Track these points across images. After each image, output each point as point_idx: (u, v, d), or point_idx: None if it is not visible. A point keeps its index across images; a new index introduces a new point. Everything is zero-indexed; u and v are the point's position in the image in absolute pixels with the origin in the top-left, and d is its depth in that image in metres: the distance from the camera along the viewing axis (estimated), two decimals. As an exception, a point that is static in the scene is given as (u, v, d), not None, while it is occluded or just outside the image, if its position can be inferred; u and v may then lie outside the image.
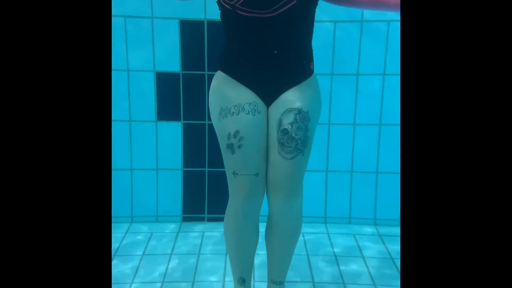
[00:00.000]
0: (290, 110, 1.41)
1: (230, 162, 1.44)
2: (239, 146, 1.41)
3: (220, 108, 1.43)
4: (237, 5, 1.34)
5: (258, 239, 1.57)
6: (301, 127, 1.42)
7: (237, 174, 1.43)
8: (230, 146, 1.42)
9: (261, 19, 1.35)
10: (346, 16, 2.17)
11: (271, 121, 1.44)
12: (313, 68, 1.49)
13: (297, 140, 1.42)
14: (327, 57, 2.21)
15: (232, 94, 1.42)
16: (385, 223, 2.35)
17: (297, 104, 1.42)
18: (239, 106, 1.41)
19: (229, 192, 1.49)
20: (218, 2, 1.41)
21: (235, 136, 1.40)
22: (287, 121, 1.41)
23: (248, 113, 1.40)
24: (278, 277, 1.60)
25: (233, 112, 1.40)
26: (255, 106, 1.41)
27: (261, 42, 1.38)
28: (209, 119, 2.24)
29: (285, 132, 1.42)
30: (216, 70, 1.48)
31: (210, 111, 1.49)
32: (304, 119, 1.43)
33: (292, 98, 1.42)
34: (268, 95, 1.43)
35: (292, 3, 1.34)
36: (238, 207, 1.46)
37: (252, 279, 1.78)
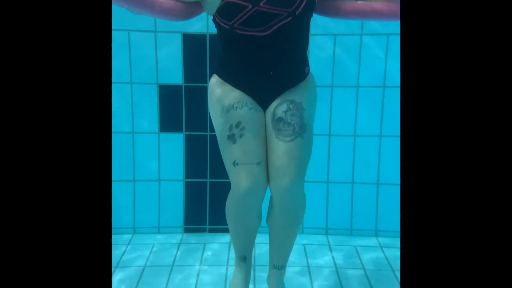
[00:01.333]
0: (282, 101, 1.48)
1: (230, 153, 1.45)
2: (241, 136, 1.44)
3: (223, 105, 1.48)
4: (235, 25, 1.40)
5: (260, 224, 1.57)
6: (295, 113, 1.47)
7: (237, 164, 1.43)
8: (231, 137, 1.45)
9: (257, 37, 1.41)
10: (346, 29, 2.20)
11: (267, 115, 1.49)
12: (308, 71, 1.56)
13: (293, 125, 1.46)
14: (328, 69, 2.23)
15: (234, 94, 1.48)
16: (386, 234, 2.35)
17: (289, 97, 1.49)
18: (242, 102, 1.47)
19: (231, 185, 1.48)
20: (214, 21, 1.47)
21: (237, 127, 1.44)
22: (281, 110, 1.48)
23: (250, 109, 1.47)
24: (280, 262, 1.60)
25: (236, 107, 1.46)
26: (256, 105, 1.49)
27: (257, 59, 1.45)
28: (211, 131, 2.27)
29: (280, 119, 1.47)
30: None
31: (210, 110, 1.54)
32: (297, 108, 1.48)
33: (285, 95, 1.49)
34: (265, 101, 1.50)
35: (287, 20, 1.40)
36: (239, 200, 1.46)
37: (252, 259, 1.74)
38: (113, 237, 2.30)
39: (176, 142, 2.30)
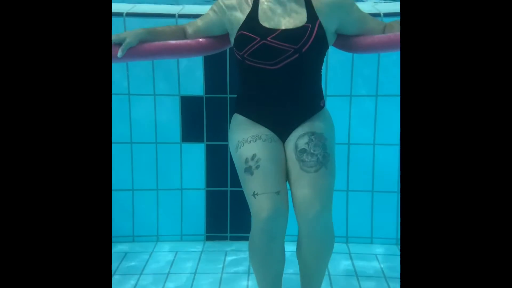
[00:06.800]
0: (304, 134, 1.50)
1: (249, 184, 1.46)
2: (257, 167, 1.45)
3: (238, 141, 1.52)
4: (245, 55, 1.47)
5: (284, 259, 1.54)
6: (318, 144, 1.48)
7: (257, 194, 1.42)
8: (248, 169, 1.46)
9: (267, 70, 1.46)
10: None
11: (288, 148, 1.51)
12: (323, 105, 1.59)
13: (316, 155, 1.47)
14: (346, 78, 2.26)
15: (249, 128, 1.52)
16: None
17: (310, 129, 1.51)
18: (256, 136, 1.50)
19: (252, 216, 1.46)
20: (234, 52, 1.53)
21: (252, 159, 1.46)
22: (303, 142, 1.49)
23: (264, 141, 1.49)
24: None
25: (250, 141, 1.49)
26: (271, 136, 1.51)
27: (270, 91, 1.49)
28: (231, 140, 2.31)
29: (303, 151, 1.48)
30: (234, 109, 1.61)
31: (230, 147, 1.59)
32: (319, 138, 1.49)
33: (304, 127, 1.52)
34: (283, 131, 1.53)
35: (294, 57, 1.44)
36: (261, 230, 1.43)
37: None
38: (137, 245, 2.36)
39: (197, 152, 2.35)
